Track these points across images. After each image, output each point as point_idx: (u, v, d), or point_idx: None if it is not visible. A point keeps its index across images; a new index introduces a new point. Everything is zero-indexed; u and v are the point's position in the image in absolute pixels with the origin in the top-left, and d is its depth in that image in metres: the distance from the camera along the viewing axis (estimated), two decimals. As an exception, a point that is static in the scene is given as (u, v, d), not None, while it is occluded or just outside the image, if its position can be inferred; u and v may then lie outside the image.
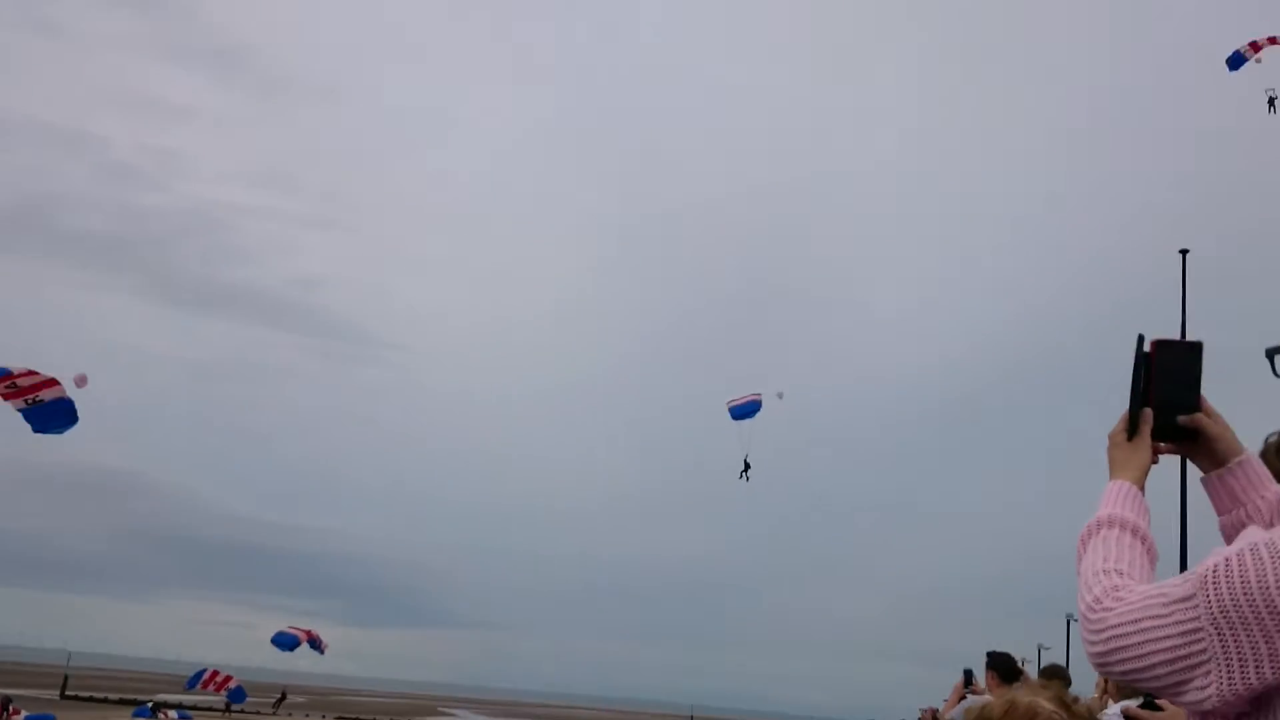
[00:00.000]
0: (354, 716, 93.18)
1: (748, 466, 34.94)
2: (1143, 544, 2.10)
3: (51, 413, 21.95)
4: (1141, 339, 2.26)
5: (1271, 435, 3.32)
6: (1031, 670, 17.07)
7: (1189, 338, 2.39)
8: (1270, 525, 2.22)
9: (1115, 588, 1.97)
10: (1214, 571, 1.74)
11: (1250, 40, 28.88)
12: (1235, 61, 29.21)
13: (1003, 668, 9.61)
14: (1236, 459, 2.29)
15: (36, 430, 22.16)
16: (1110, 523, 2.12)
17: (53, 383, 21.98)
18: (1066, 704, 2.68)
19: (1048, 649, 46.05)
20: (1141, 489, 2.22)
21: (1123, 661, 1.88)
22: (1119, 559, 2.05)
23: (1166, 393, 2.26)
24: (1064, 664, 13.55)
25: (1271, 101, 30.32)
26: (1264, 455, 3.39)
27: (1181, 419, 2.26)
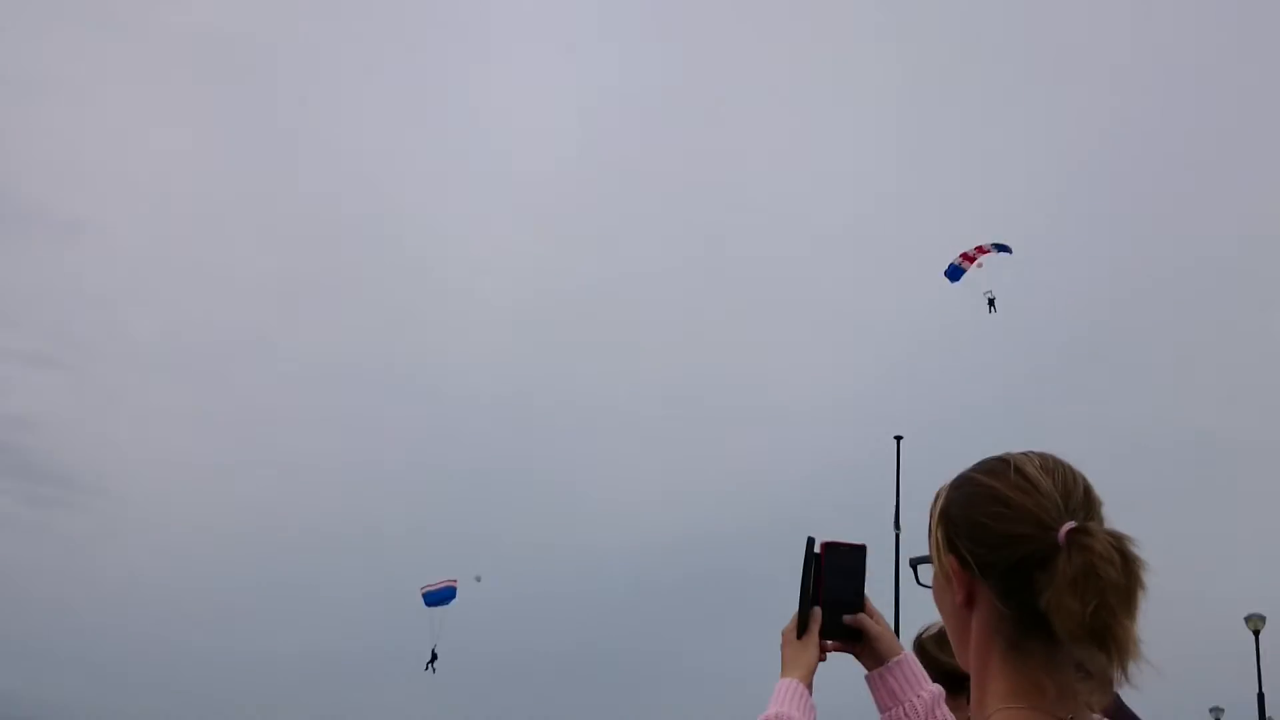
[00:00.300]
0: None
1: (434, 657, 33.33)
2: None
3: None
4: (811, 541, 2.42)
5: (922, 630, 3.58)
6: None
7: (900, 520, 2.57)
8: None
9: None
10: None
11: (962, 252, 30.57)
12: (954, 273, 30.70)
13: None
14: (895, 658, 2.42)
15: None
16: None
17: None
18: None
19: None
20: (809, 686, 2.32)
21: None
22: None
23: (834, 593, 2.39)
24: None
25: (991, 302, 31.50)
26: (917, 654, 3.67)
27: (846, 618, 2.39)
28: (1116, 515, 1.86)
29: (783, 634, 2.42)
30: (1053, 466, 1.88)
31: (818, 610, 2.40)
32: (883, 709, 2.42)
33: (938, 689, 2.45)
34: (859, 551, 2.44)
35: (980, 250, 30.25)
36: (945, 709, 2.42)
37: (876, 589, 2.48)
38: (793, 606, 2.44)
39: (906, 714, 2.38)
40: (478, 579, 33.34)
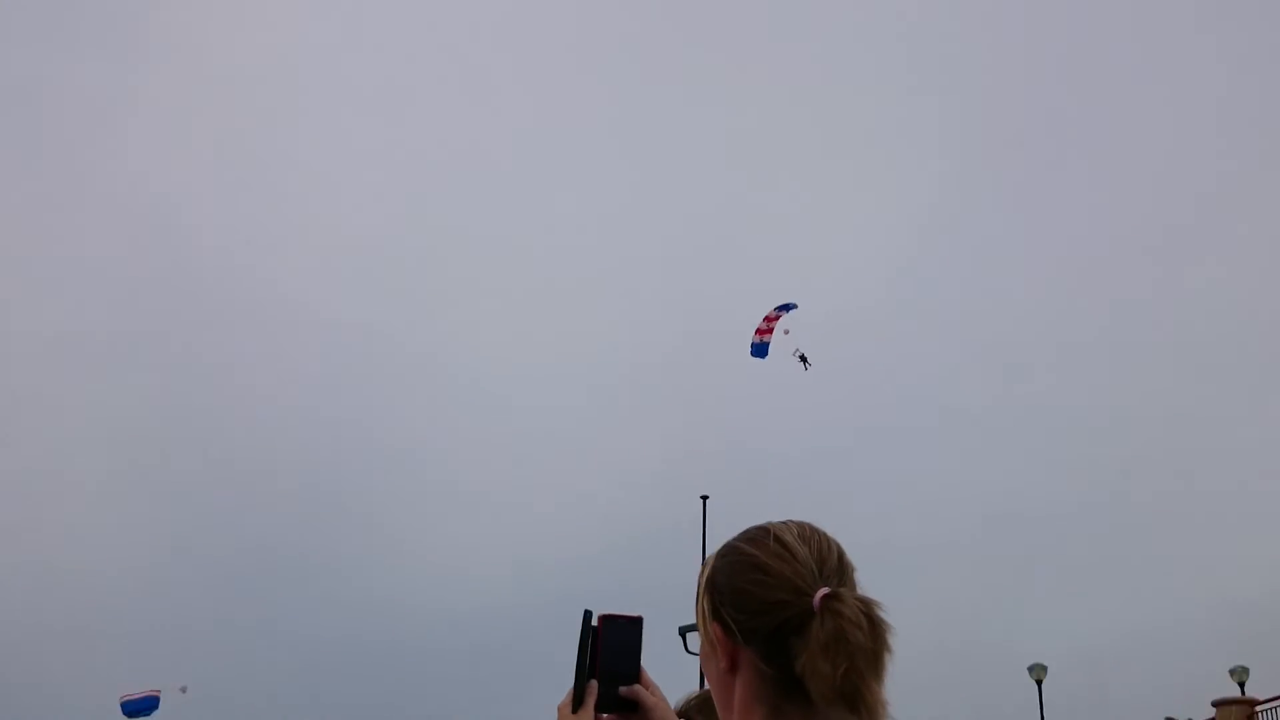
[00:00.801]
0: None
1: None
2: None
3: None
4: (588, 614, 2.45)
5: (681, 704, 3.64)
6: None
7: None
8: None
9: None
10: None
11: (756, 328, 30.51)
12: (760, 351, 30.71)
13: None
14: None
15: None
16: None
17: None
18: None
19: None
20: None
21: None
22: None
23: (611, 665, 2.39)
24: None
25: (803, 358, 31.42)
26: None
27: (622, 690, 2.42)
28: (923, 570, 1.95)
29: (559, 709, 2.42)
30: (809, 535, 1.96)
31: (594, 683, 2.43)
32: None
33: None
34: (636, 624, 2.47)
35: (770, 319, 30.49)
36: None
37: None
38: (569, 681, 2.45)
39: None
40: (183, 689, 31.19)
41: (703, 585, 2.03)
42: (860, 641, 1.77)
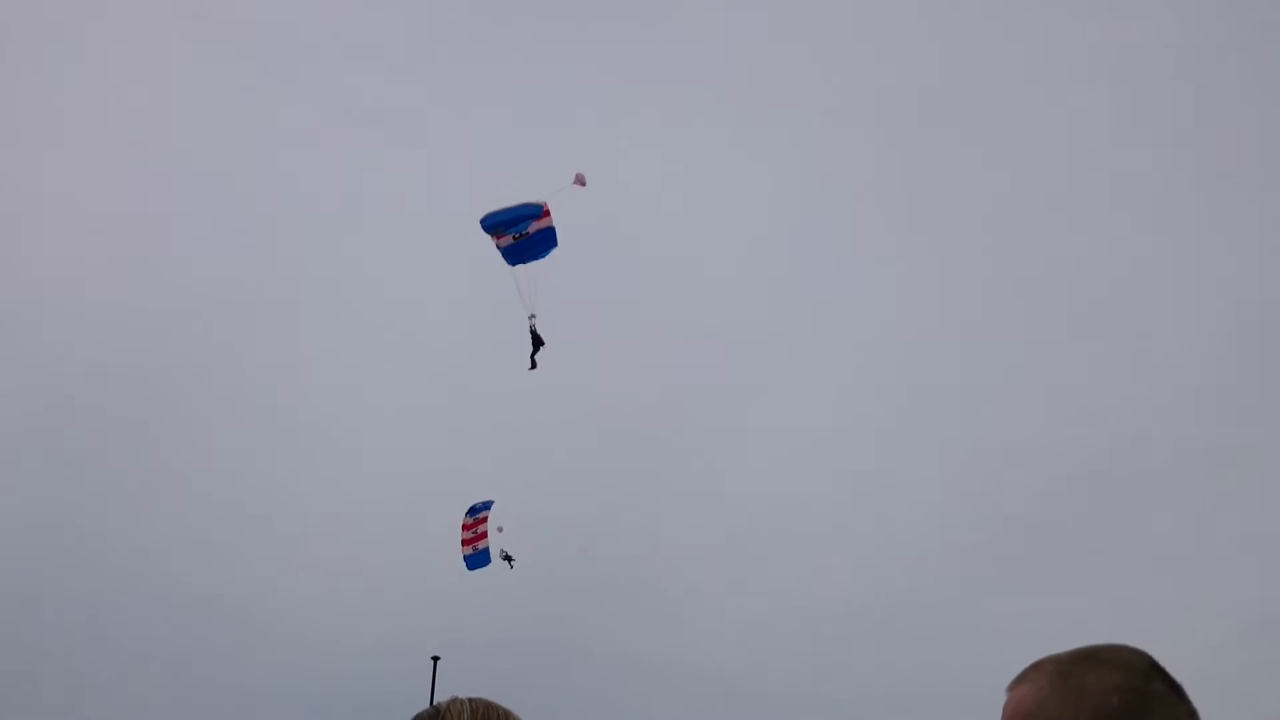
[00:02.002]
0: None
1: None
2: None
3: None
4: None
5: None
6: None
7: None
8: None
9: None
10: None
11: (462, 539, 29.34)
12: (479, 560, 29.57)
13: None
14: None
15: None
16: None
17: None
18: None
19: None
20: None
21: None
22: None
23: None
24: None
25: (508, 558, 30.67)
26: None
27: None
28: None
29: None
30: (485, 715, 1.95)
31: None
32: None
33: None
34: None
35: (468, 526, 29.40)
36: None
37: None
38: None
39: None
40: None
41: None
42: None
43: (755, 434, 61.05)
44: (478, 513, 28.87)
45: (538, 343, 24.28)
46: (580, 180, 21.90)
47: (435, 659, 29.19)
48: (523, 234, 21.62)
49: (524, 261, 22.13)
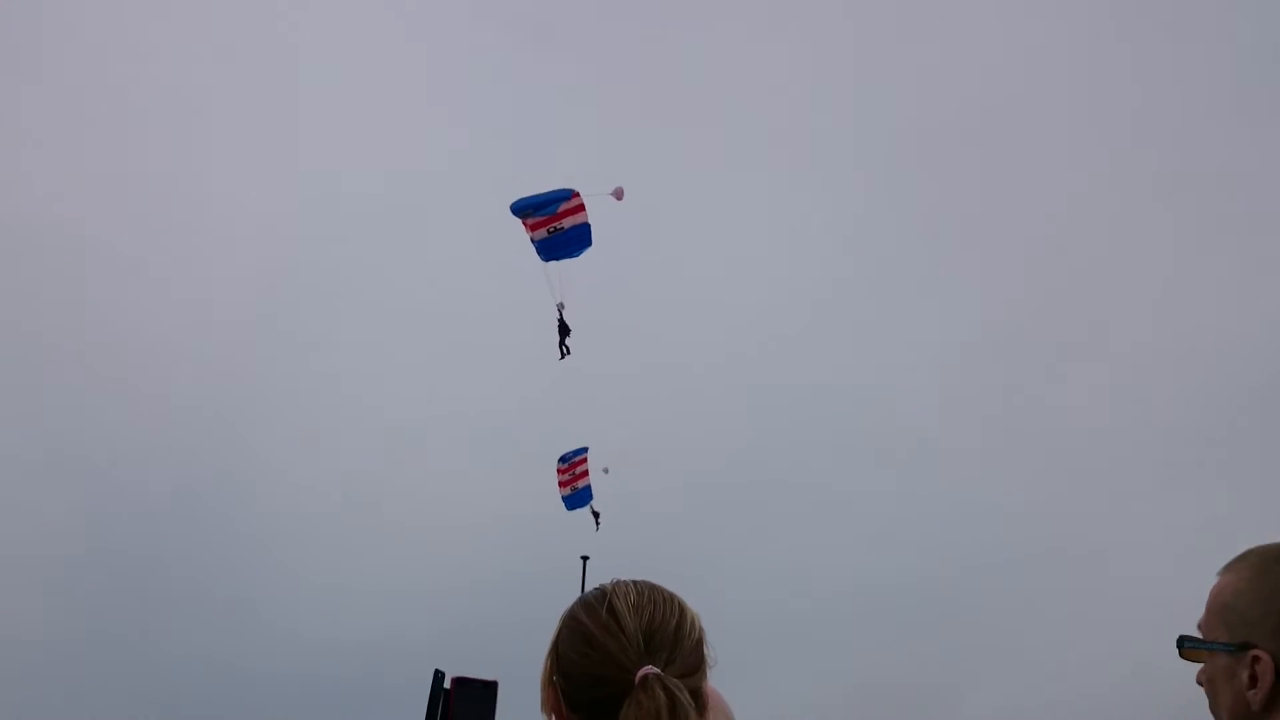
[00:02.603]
0: None
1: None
2: None
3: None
4: (440, 674, 2.53)
5: None
6: None
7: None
8: None
9: None
10: None
11: (560, 482, 29.72)
12: (577, 500, 30.17)
13: None
14: None
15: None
16: None
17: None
18: None
19: None
20: None
21: None
22: None
23: None
24: None
25: (596, 515, 31.71)
26: None
27: None
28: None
29: None
30: (646, 603, 2.01)
31: None
32: None
33: None
34: (490, 688, 2.55)
35: (563, 471, 29.89)
36: None
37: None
38: None
39: None
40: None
41: (551, 645, 2.10)
42: None
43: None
44: (571, 459, 29.68)
45: (565, 330, 24.60)
46: (619, 194, 22.02)
47: (584, 559, 29.29)
48: (558, 228, 21.81)
49: (557, 258, 22.36)
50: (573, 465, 29.77)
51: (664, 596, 2.02)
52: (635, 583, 2.04)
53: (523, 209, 21.57)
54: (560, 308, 24.14)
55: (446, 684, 2.54)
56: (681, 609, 2.02)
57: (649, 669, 1.91)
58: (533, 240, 21.87)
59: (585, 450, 29.94)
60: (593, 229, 21.86)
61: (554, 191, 21.53)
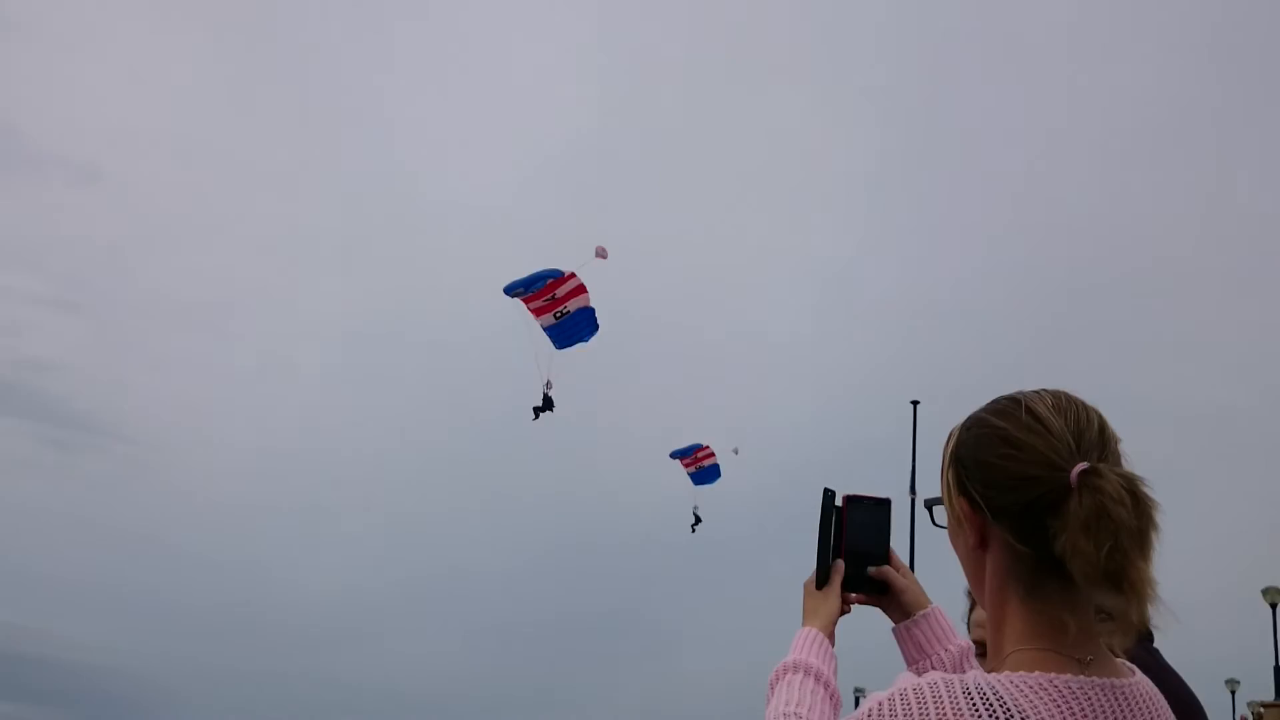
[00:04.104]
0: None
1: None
2: (825, 689, 2.17)
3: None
4: (831, 494, 2.39)
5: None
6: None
7: (916, 484, 2.54)
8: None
9: None
10: (867, 716, 1.77)
11: (700, 457, 30.97)
12: (704, 477, 31.23)
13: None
14: (922, 611, 2.39)
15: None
16: (795, 668, 2.19)
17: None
18: None
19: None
20: (830, 637, 2.29)
21: None
22: (799, 703, 2.11)
23: (858, 545, 2.37)
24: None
25: (697, 518, 32.72)
26: (971, 602, 3.60)
27: (871, 570, 2.38)
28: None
29: (804, 585, 2.39)
30: (1065, 405, 1.84)
31: (840, 563, 2.38)
32: (909, 663, 2.38)
33: (967, 643, 2.41)
34: (884, 505, 2.42)
35: (687, 459, 30.80)
36: (975, 663, 2.36)
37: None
38: (810, 561, 2.41)
39: (934, 666, 2.34)
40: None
41: (947, 459, 1.95)
42: (1124, 519, 1.67)
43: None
44: (687, 453, 30.51)
45: (548, 405, 25.44)
46: (601, 253, 22.42)
47: (915, 403, 28.80)
48: (564, 312, 22.27)
49: (570, 344, 22.84)
50: (696, 454, 30.69)
51: (1081, 401, 1.87)
52: (1046, 389, 1.90)
53: (513, 288, 22.14)
54: (547, 386, 25.06)
55: (838, 501, 2.39)
56: (1101, 416, 1.86)
57: (1086, 464, 1.74)
58: (543, 329, 22.54)
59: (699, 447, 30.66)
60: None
61: (541, 271, 22.05)
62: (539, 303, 22.30)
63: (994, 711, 1.68)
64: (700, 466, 31.07)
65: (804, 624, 2.33)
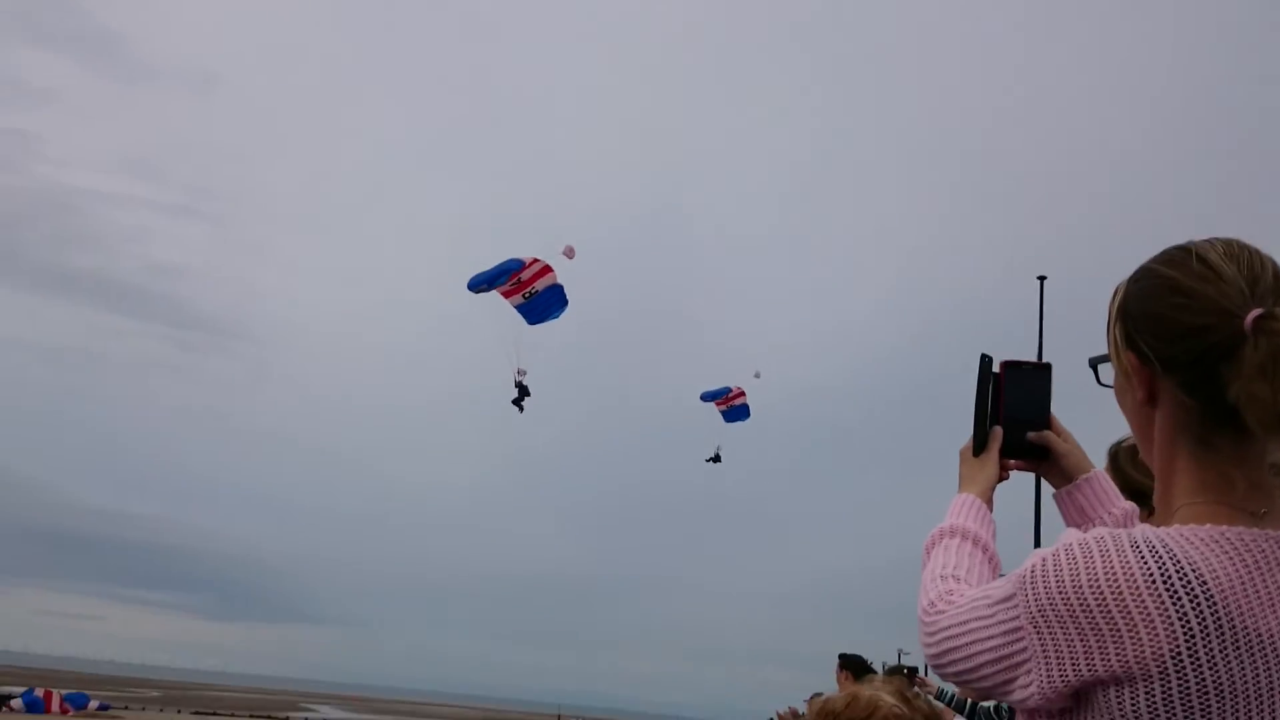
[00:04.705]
0: (212, 712, 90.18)
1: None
2: (984, 553, 2.16)
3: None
4: (988, 359, 2.36)
5: (1113, 445, 3.46)
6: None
7: (1044, 360, 2.48)
8: None
9: (949, 592, 2.02)
10: (1031, 572, 1.75)
11: (730, 396, 31.27)
12: (735, 415, 31.44)
13: (854, 667, 10.00)
14: (1084, 475, 2.35)
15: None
16: (953, 532, 2.19)
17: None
18: (907, 698, 2.78)
19: (906, 654, 46.70)
20: (988, 503, 2.28)
21: (953, 663, 1.93)
22: (957, 566, 2.11)
23: (1016, 411, 2.34)
24: (923, 668, 14.02)
25: (718, 455, 33.07)
26: (1109, 468, 3.54)
27: (1031, 436, 2.35)
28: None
29: (960, 452, 2.38)
30: (1238, 252, 1.78)
31: (998, 429, 2.36)
32: (1074, 525, 2.33)
33: (1130, 506, 2.35)
34: (1044, 370, 2.39)
35: (721, 399, 31.36)
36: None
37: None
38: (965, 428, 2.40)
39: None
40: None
41: (1113, 313, 1.90)
42: None
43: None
44: (720, 395, 31.11)
45: (524, 394, 25.72)
46: (569, 252, 22.86)
47: (1041, 279, 28.06)
48: (533, 292, 22.59)
49: (542, 320, 23.13)
50: (730, 395, 31.28)
51: (1254, 248, 1.81)
52: (1217, 237, 1.83)
53: (477, 283, 22.49)
54: (520, 373, 25.36)
55: (995, 368, 2.37)
56: (1275, 261, 1.80)
57: (1261, 309, 1.69)
58: (514, 307, 22.85)
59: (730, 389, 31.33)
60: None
61: (503, 264, 22.41)
62: (507, 287, 22.72)
63: (1163, 564, 1.66)
64: (731, 405, 31.69)
65: (961, 490, 2.31)
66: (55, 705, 56.53)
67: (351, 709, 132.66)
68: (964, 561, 2.13)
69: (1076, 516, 2.34)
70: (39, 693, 57.27)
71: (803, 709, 14.04)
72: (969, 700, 8.99)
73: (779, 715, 16.00)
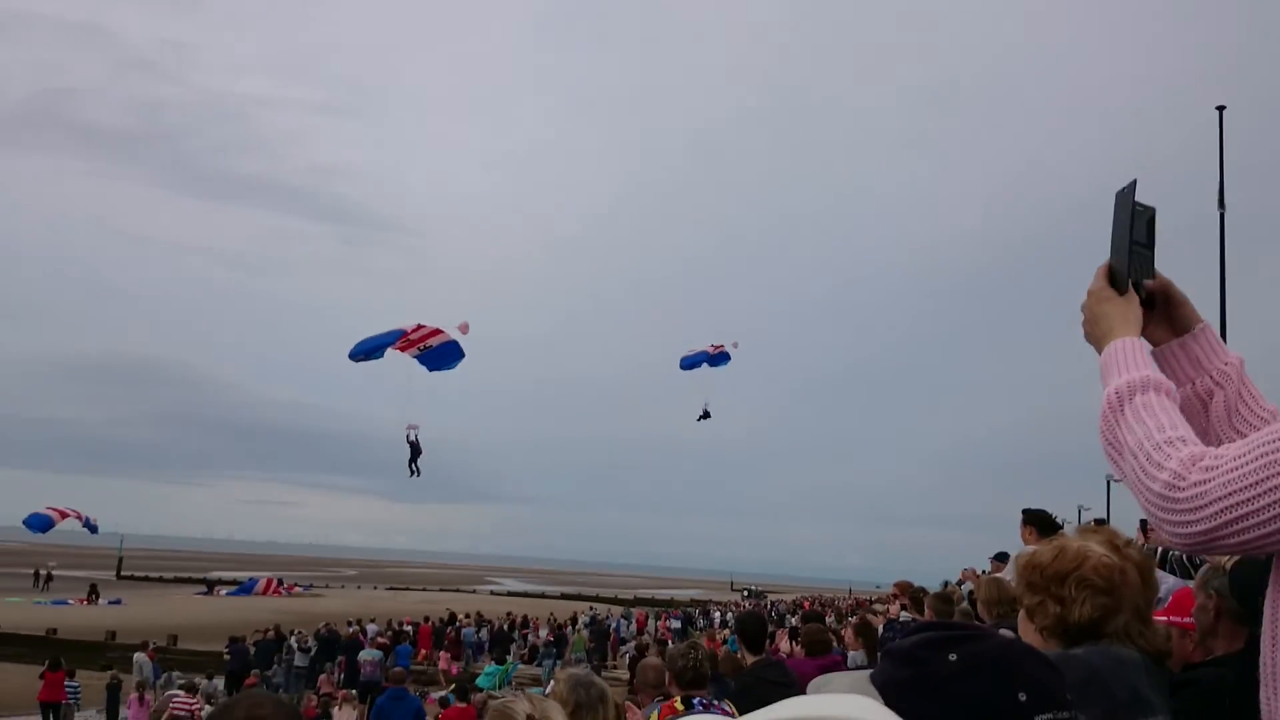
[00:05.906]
0: (405, 586, 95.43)
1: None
2: (1175, 402, 1.88)
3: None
4: (1132, 188, 2.06)
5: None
6: (1070, 532, 16.72)
7: (1225, 198, 2.18)
8: (1242, 389, 2.05)
9: (1197, 456, 1.71)
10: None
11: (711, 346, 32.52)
12: (720, 359, 32.40)
13: (1039, 523, 9.50)
14: (1199, 325, 2.12)
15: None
16: (1144, 386, 1.86)
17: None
18: (1117, 546, 2.54)
19: (1088, 509, 45.49)
20: None
21: (1244, 530, 1.63)
22: (1173, 424, 1.79)
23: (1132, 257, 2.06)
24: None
25: (706, 413, 33.72)
26: None
27: (1148, 283, 2.09)
28: None
29: (1092, 293, 2.08)
30: None
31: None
32: (1183, 382, 2.09)
33: (1240, 357, 2.12)
34: (1149, 212, 2.08)
35: (711, 351, 32.27)
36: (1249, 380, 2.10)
37: (1204, 271, 2.14)
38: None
39: (1217, 382, 2.06)
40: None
41: None
42: None
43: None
44: (700, 359, 32.10)
45: (416, 452, 25.22)
46: (464, 329, 23.31)
47: (1220, 109, 26.25)
48: (427, 346, 22.98)
49: (440, 369, 23.45)
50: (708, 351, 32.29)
51: None
52: None
53: (356, 354, 22.72)
54: (413, 429, 25.09)
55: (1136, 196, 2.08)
56: None
57: None
58: (412, 356, 23.12)
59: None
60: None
61: (383, 335, 22.68)
62: (399, 345, 23.03)
63: None
64: (719, 352, 32.99)
65: (1116, 335, 1.99)
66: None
67: (534, 581, 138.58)
68: (1176, 417, 1.82)
69: (1191, 370, 2.09)
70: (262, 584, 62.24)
71: (982, 569, 13.78)
72: (1158, 549, 8.62)
73: (964, 574, 15.76)
